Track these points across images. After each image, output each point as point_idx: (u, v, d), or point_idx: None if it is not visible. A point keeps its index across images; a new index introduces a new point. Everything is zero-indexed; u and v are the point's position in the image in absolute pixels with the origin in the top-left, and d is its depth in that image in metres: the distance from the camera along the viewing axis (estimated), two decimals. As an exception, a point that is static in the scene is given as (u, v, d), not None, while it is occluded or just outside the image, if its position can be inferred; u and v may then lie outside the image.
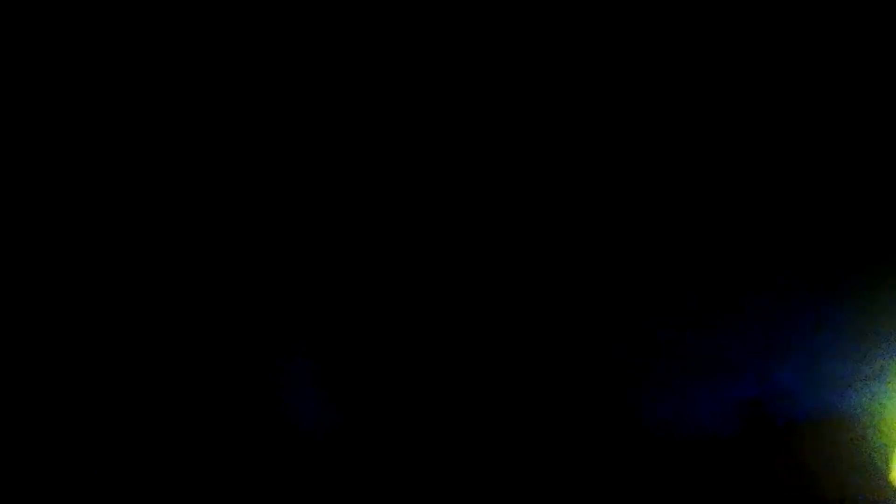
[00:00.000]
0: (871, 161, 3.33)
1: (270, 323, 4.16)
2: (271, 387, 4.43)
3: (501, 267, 3.80)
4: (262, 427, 4.54)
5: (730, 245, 3.72)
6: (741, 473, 4.55)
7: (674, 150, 3.21)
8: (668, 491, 4.58)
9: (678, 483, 4.60)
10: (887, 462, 4.34)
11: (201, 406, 4.44)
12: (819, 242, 3.73)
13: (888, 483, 4.32)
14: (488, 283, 3.88)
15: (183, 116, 3.00)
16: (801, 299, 4.06)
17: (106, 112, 2.94)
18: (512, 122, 3.07)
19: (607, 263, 3.76)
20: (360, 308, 4.05)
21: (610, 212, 3.49)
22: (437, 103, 2.95)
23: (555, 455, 4.62)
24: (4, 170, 3.11)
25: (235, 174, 3.25)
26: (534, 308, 4.02)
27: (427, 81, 2.84)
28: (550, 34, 2.69)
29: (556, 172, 3.31)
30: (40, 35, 2.57)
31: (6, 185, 3.18)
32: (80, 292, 3.84)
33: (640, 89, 2.94)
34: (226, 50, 2.76)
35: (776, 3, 2.64)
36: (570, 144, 3.18)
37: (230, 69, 2.81)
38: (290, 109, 2.95)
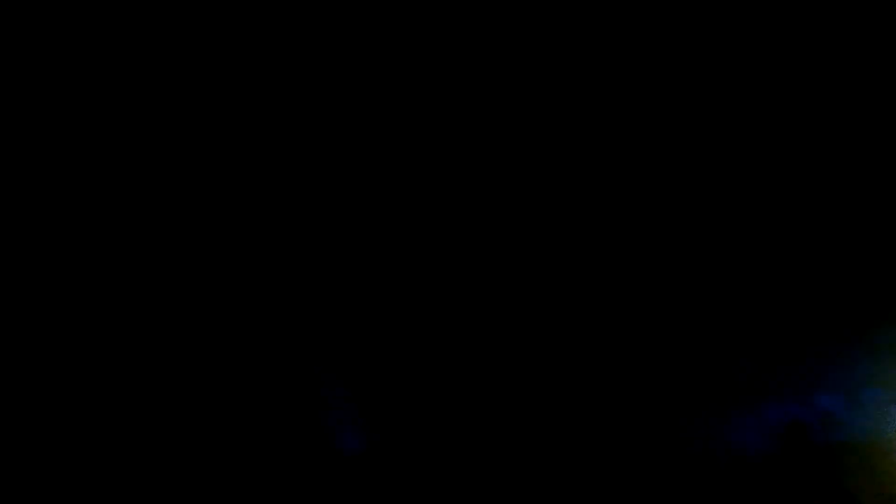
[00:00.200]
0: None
1: (304, 341, 4.19)
2: (305, 404, 4.46)
3: (548, 292, 3.85)
4: (295, 443, 4.55)
5: (776, 274, 3.77)
6: (783, 494, 4.53)
7: (726, 189, 3.26)
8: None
9: (721, 502, 4.61)
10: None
11: (237, 421, 4.47)
12: (863, 271, 3.77)
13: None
14: (533, 308, 3.93)
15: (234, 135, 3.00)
16: (844, 325, 4.08)
17: (121, 116, 2.96)
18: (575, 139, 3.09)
19: (653, 291, 3.81)
20: (389, 323, 4.09)
21: (659, 243, 3.56)
22: (441, 106, 2.97)
23: (599, 474, 4.63)
24: (6, 170, 3.10)
25: (273, 201, 3.28)
26: (579, 331, 4.08)
27: (429, 83, 2.86)
28: (552, 35, 2.72)
29: (613, 211, 3.37)
30: (41, 35, 2.57)
31: (9, 185, 3.17)
32: (121, 311, 3.88)
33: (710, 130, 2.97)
34: (232, 54, 2.77)
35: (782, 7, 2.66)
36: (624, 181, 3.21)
37: (249, 79, 2.83)
38: (323, 126, 2.99)
